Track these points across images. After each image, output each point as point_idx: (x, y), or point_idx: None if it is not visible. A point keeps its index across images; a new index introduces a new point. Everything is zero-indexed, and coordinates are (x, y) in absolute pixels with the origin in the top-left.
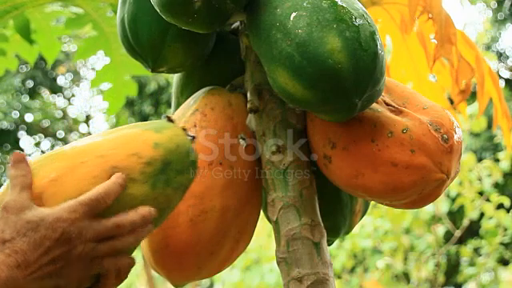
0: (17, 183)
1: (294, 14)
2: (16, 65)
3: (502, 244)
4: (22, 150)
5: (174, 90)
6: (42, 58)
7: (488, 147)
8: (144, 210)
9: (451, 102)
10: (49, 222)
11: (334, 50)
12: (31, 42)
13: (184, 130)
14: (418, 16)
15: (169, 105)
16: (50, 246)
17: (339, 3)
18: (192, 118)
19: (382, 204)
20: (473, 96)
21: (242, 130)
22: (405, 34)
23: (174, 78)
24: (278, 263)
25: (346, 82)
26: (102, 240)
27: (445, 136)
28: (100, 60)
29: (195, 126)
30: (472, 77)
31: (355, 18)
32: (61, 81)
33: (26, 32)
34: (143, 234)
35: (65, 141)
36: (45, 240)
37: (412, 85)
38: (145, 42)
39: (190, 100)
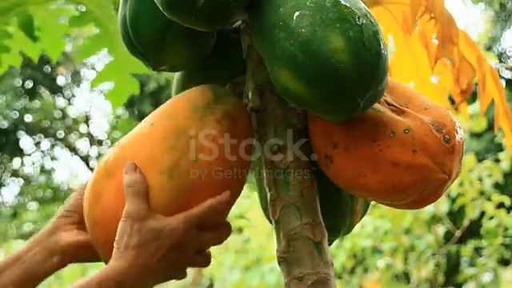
0: (133, 191)
1: (297, 13)
2: (20, 62)
3: (502, 245)
4: (22, 150)
5: (174, 88)
6: (42, 59)
7: (490, 148)
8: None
9: (452, 102)
10: (167, 231)
11: (337, 49)
12: (35, 39)
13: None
14: (420, 16)
15: None
16: (166, 252)
17: (342, 2)
18: None
19: (383, 204)
20: (474, 96)
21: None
22: (407, 34)
23: (175, 77)
24: (279, 263)
25: (349, 81)
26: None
27: (446, 136)
28: (100, 60)
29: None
30: (473, 77)
31: (358, 18)
32: (61, 81)
33: (29, 29)
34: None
35: (65, 141)
36: (163, 247)
37: (414, 85)
38: (146, 39)
39: None
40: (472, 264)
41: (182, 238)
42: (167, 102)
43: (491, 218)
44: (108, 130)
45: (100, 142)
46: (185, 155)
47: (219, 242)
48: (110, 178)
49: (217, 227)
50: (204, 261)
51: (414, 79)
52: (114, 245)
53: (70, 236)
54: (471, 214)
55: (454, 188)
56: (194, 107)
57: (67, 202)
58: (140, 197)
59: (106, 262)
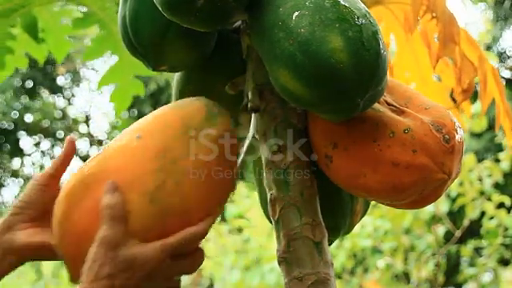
0: (110, 214)
1: (296, 13)
2: (26, 63)
3: (502, 245)
4: (22, 150)
5: (174, 89)
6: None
7: (490, 148)
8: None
9: (454, 101)
10: (140, 261)
11: (336, 49)
12: (39, 40)
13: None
14: (422, 15)
15: None
16: (137, 282)
17: (342, 2)
18: None
19: (383, 204)
20: (475, 96)
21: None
22: (408, 34)
23: (175, 77)
24: (279, 263)
25: (348, 81)
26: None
27: (446, 136)
28: (100, 60)
29: None
30: (475, 76)
31: (358, 18)
32: (60, 81)
33: (33, 30)
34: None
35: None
36: (134, 277)
37: (415, 85)
38: (146, 39)
39: None
40: (472, 264)
41: (155, 267)
42: (158, 111)
43: (491, 218)
44: (108, 130)
45: (100, 142)
46: (170, 178)
47: (192, 270)
48: (88, 191)
49: (190, 254)
50: (173, 287)
51: (416, 78)
52: (83, 271)
53: (25, 236)
54: (471, 214)
55: (453, 188)
56: (185, 128)
57: (20, 197)
58: (116, 221)
59: (70, 272)
